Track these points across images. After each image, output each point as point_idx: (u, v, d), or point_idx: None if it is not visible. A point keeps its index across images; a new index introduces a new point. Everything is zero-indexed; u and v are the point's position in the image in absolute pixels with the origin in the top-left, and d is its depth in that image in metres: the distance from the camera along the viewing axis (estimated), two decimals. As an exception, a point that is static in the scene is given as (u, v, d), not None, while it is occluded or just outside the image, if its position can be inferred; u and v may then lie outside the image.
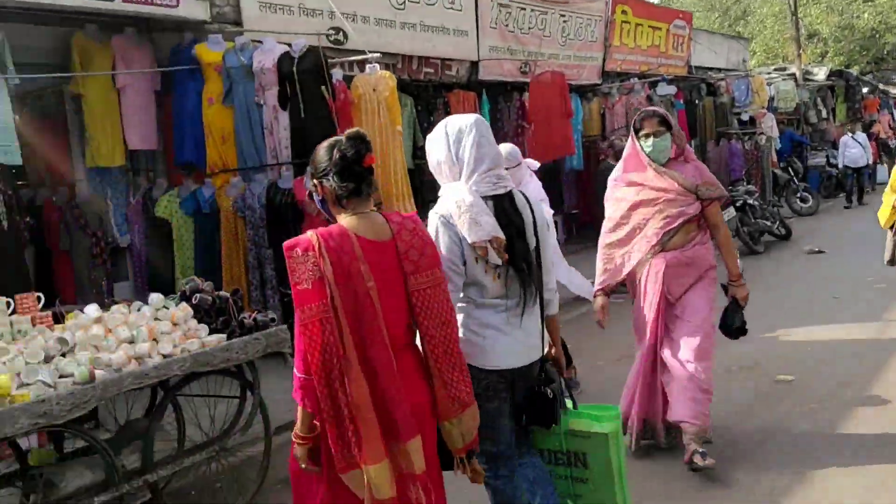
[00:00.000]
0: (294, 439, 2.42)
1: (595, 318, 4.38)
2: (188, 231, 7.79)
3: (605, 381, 5.86)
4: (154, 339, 3.69)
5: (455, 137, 2.71)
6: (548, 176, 10.69)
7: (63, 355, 3.49)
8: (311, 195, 2.52)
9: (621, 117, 13.46)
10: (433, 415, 2.46)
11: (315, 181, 2.45)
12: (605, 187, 4.49)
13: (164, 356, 3.67)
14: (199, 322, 4.02)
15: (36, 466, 3.59)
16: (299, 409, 2.36)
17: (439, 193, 2.77)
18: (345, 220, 2.41)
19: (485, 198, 2.66)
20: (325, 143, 2.44)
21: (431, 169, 2.83)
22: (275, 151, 7.34)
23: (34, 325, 3.74)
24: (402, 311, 2.41)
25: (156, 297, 3.98)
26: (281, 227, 7.09)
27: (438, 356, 2.42)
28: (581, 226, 14.48)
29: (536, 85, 10.92)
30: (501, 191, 2.71)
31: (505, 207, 2.69)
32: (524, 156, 5.40)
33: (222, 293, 4.22)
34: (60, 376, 3.33)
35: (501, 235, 2.60)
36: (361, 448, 2.24)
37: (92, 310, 3.80)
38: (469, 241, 2.61)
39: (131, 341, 3.67)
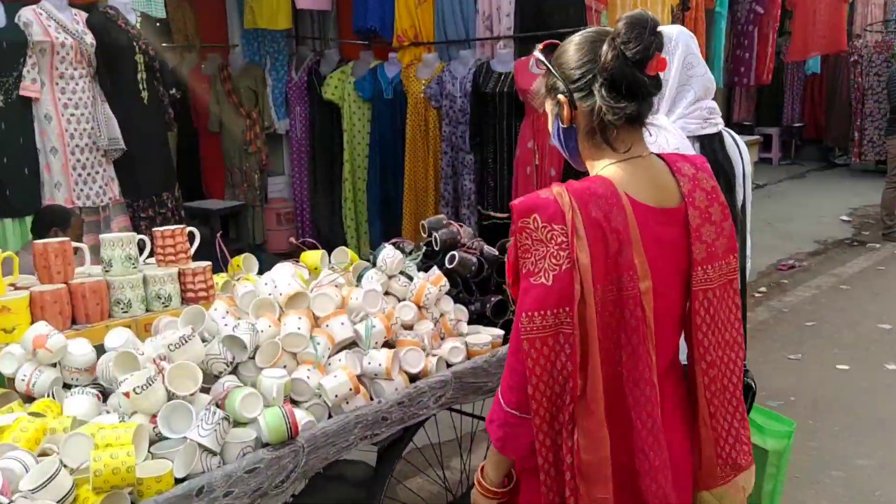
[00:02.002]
0: (476, 487, 1.62)
1: None
2: (362, 120, 6.30)
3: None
4: (387, 345, 1.99)
5: None
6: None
7: (234, 370, 1.84)
8: (555, 121, 1.58)
9: (879, 9, 10.65)
10: (691, 480, 1.65)
11: (561, 97, 1.52)
12: None
13: (411, 377, 1.97)
14: (457, 301, 2.28)
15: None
16: (492, 450, 1.59)
17: None
18: (609, 167, 1.51)
19: (691, 138, 2.11)
20: (582, 36, 1.52)
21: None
22: (489, 20, 5.50)
23: (184, 293, 2.13)
24: (675, 321, 1.58)
25: (391, 255, 2.22)
26: (488, 126, 5.41)
27: (715, 394, 1.60)
28: (803, 143, 12.03)
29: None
30: (712, 129, 2.16)
31: (715, 152, 2.14)
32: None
33: (488, 249, 2.43)
34: (236, 423, 1.68)
35: None
36: None
37: (284, 273, 2.10)
38: None
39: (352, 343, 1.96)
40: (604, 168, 1.51)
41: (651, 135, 1.86)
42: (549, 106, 1.57)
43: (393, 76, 6.01)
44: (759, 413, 2.53)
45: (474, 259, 2.31)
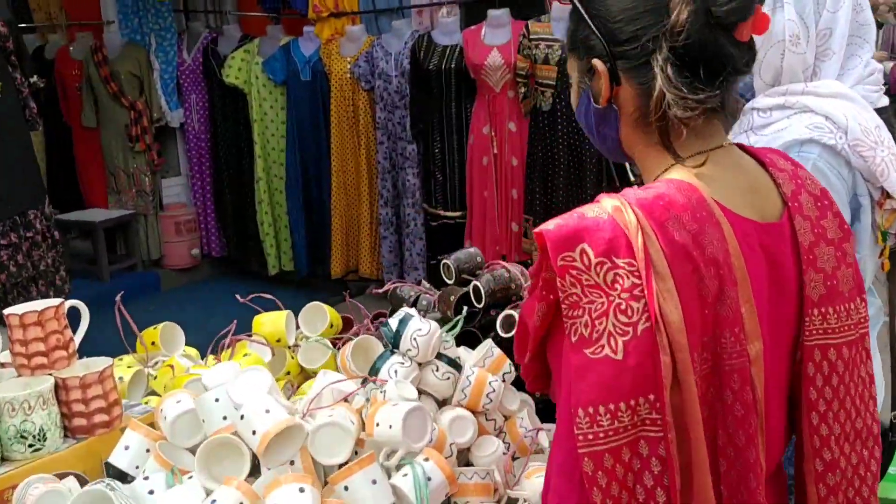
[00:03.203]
0: None
1: None
2: (275, 108, 5.41)
3: None
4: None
5: None
6: None
7: None
8: (582, 93, 1.09)
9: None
10: None
11: (598, 63, 1.03)
12: None
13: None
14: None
15: None
16: None
17: (753, 105, 1.60)
18: (682, 166, 1.03)
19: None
20: None
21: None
22: (428, -17, 4.66)
23: (68, 418, 1.23)
24: (786, 400, 1.10)
25: (424, 330, 1.34)
26: (432, 109, 4.65)
27: None
28: None
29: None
30: (885, 100, 1.69)
31: (894, 129, 1.64)
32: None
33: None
34: None
35: None
36: None
37: (251, 382, 1.20)
38: None
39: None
40: (678, 165, 1.03)
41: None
42: (572, 66, 1.10)
43: (310, 54, 5.16)
44: None
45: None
